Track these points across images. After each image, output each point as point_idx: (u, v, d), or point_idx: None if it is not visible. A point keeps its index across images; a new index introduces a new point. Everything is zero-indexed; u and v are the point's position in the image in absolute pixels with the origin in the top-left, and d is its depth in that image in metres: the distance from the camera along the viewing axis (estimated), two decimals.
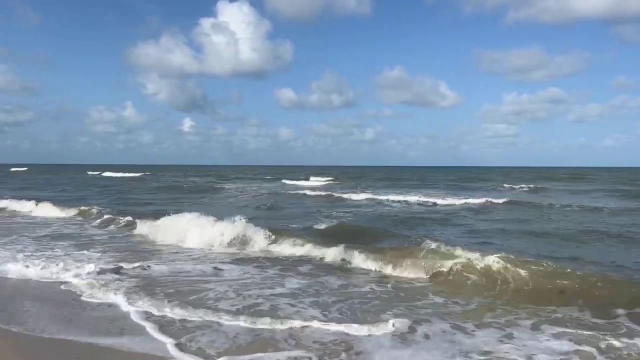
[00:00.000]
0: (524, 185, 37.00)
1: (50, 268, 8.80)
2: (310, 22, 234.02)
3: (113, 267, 9.04)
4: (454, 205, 22.90)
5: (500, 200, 23.73)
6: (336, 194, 28.75)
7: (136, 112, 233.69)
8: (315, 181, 50.59)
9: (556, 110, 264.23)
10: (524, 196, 28.95)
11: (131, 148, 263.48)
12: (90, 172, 76.11)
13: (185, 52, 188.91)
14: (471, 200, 24.04)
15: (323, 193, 30.10)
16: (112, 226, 15.32)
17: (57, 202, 21.01)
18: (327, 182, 50.15)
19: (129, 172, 71.74)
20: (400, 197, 25.85)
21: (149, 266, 9.22)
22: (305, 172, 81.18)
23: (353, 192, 30.43)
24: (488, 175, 72.58)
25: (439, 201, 24.24)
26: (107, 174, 70.00)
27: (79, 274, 8.47)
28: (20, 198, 22.70)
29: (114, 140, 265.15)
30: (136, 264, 9.31)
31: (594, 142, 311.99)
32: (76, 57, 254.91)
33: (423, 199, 24.74)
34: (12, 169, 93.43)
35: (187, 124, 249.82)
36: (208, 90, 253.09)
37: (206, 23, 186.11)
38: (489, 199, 24.27)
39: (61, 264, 9.02)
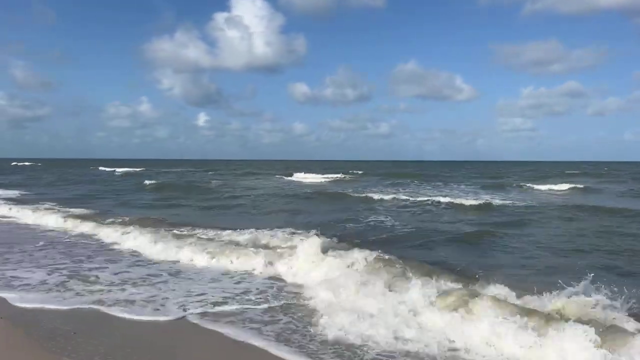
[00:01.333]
0: (570, 185, 32.89)
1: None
2: (324, 16, 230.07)
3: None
4: (518, 206, 19.23)
5: (572, 203, 20.05)
6: (363, 194, 24.92)
7: (151, 107, 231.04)
8: (333, 177, 46.61)
9: (575, 104, 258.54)
10: (587, 198, 25.13)
11: (147, 143, 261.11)
12: (92, 167, 74.95)
13: (199, 47, 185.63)
14: (530, 202, 20.67)
15: (350, 192, 26.30)
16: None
17: None
18: (350, 178, 46.56)
19: (133, 167, 70.05)
20: (444, 199, 21.88)
21: None
22: (321, 166, 77.73)
23: (384, 192, 26.82)
24: (511, 170, 69.53)
25: (496, 201, 20.88)
26: (101, 168, 70.29)
27: None
28: None
29: (130, 135, 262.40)
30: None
31: (613, 136, 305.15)
32: (92, 53, 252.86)
33: (472, 201, 20.73)
34: (12, 164, 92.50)
35: (201, 118, 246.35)
36: (222, 85, 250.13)
37: (220, 17, 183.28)
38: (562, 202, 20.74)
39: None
